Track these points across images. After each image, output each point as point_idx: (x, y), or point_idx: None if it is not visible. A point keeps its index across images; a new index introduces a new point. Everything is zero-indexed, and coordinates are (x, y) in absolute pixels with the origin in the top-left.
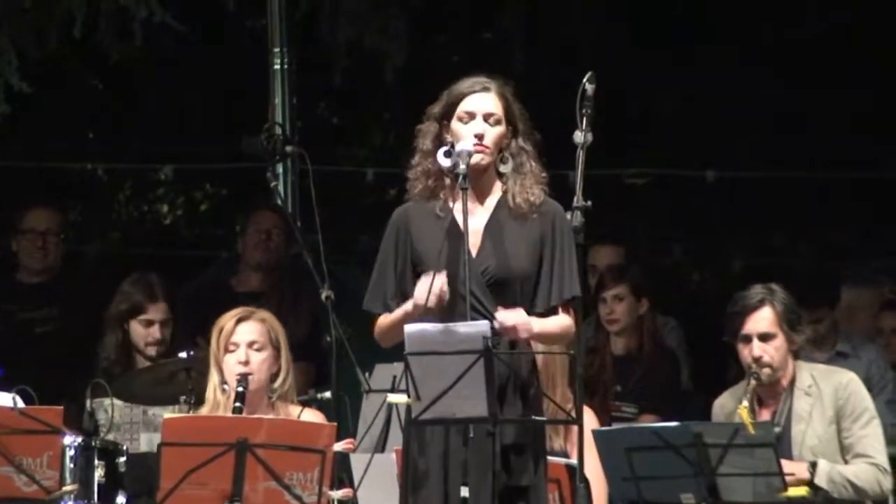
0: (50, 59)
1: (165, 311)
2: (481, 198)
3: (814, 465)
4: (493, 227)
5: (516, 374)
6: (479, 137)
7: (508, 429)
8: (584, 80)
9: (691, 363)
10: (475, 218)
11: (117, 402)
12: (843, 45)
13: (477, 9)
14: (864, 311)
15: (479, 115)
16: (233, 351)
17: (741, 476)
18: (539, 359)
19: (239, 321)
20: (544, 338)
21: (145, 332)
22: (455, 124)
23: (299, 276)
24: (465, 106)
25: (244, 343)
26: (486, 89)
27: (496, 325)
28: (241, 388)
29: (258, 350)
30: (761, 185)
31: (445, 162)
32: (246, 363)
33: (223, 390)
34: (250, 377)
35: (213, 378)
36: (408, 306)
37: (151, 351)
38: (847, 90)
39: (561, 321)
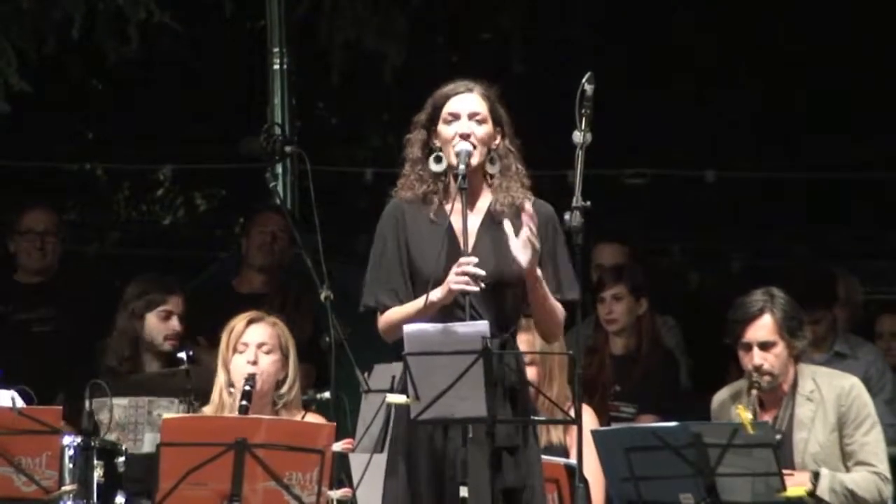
0: (49, 59)
1: (183, 304)
2: (473, 200)
3: (816, 475)
4: (487, 230)
5: (509, 373)
6: (465, 137)
7: (500, 430)
8: (584, 80)
9: (690, 363)
10: (469, 218)
11: (121, 401)
12: (843, 44)
13: (476, 9)
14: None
15: (463, 115)
16: (242, 351)
17: (740, 476)
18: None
19: (250, 322)
20: (539, 292)
21: (164, 325)
22: (441, 127)
23: (301, 277)
24: (449, 107)
25: (254, 343)
26: (469, 90)
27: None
28: (248, 387)
29: (267, 352)
30: (761, 185)
31: (437, 167)
32: (254, 363)
33: (229, 392)
34: (258, 376)
35: (220, 379)
36: (436, 294)
37: (168, 346)
38: (846, 90)
39: (559, 305)
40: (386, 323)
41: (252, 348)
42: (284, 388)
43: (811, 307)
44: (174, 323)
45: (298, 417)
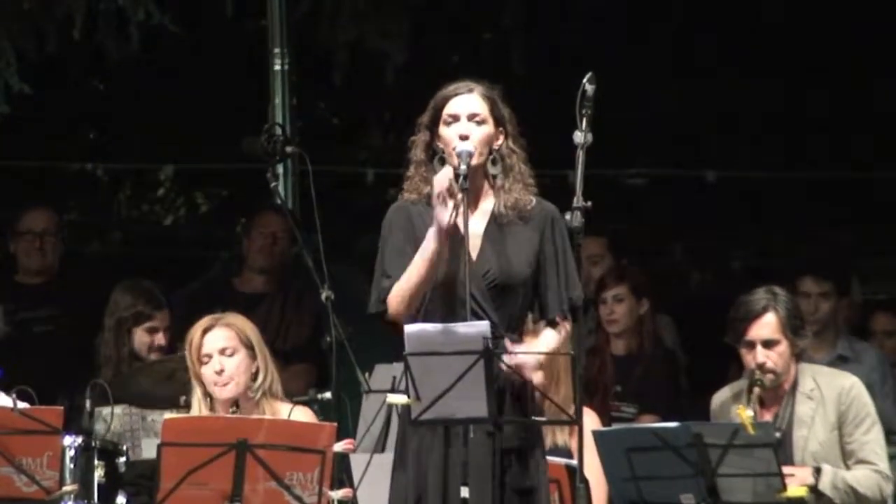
0: (50, 60)
1: (168, 318)
2: (476, 201)
3: (818, 471)
4: (492, 231)
5: (513, 375)
6: (464, 138)
7: (508, 430)
8: (584, 80)
9: (686, 361)
10: (474, 221)
11: (116, 409)
12: (844, 44)
13: (477, 9)
14: None
15: (462, 116)
16: (206, 362)
17: (741, 476)
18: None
19: (205, 332)
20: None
21: (150, 339)
22: (442, 129)
23: (302, 277)
24: (449, 109)
25: (215, 351)
26: (469, 90)
27: (504, 365)
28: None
29: (230, 355)
30: (761, 185)
31: (435, 193)
32: (221, 372)
33: (207, 402)
34: (230, 384)
35: (197, 392)
36: (430, 241)
37: (154, 357)
38: (846, 90)
39: (558, 336)
40: (394, 299)
41: (215, 357)
42: (259, 380)
43: (824, 280)
44: (159, 337)
45: (284, 409)
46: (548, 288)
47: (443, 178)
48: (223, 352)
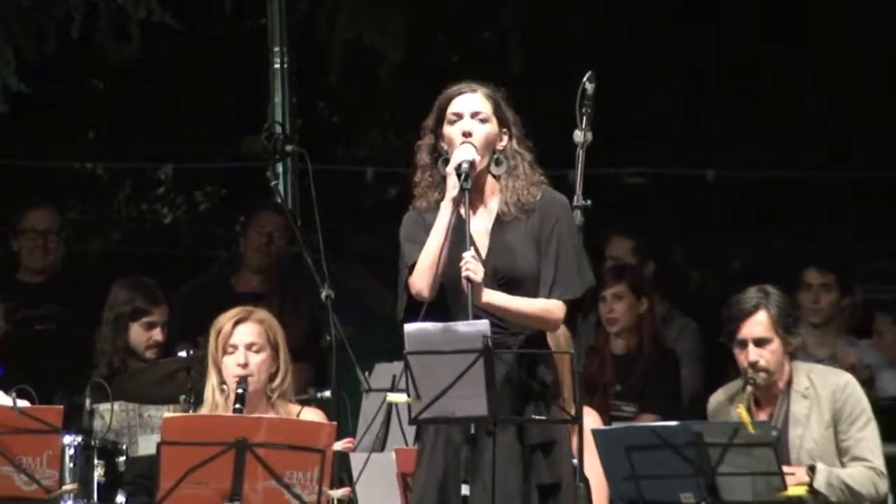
0: (50, 59)
1: (167, 314)
2: (482, 200)
3: (812, 469)
4: (497, 229)
5: (543, 371)
6: (467, 135)
7: (533, 427)
8: (584, 79)
9: (703, 368)
10: (481, 220)
11: (114, 406)
12: (843, 44)
13: (476, 8)
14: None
15: (466, 114)
16: (231, 353)
17: (741, 475)
18: None
19: (237, 323)
20: (500, 311)
21: (147, 334)
22: (446, 128)
23: (300, 276)
24: (452, 108)
25: (242, 345)
26: (472, 90)
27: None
28: (240, 390)
29: (257, 351)
30: (761, 185)
31: (446, 171)
32: (245, 365)
33: (222, 391)
34: (250, 378)
35: (212, 379)
36: (445, 214)
37: (151, 354)
38: (846, 89)
39: (536, 302)
40: (416, 277)
41: (241, 350)
42: (277, 381)
43: (828, 271)
44: (156, 333)
45: (294, 410)
46: (541, 275)
47: (461, 155)
48: (250, 347)
